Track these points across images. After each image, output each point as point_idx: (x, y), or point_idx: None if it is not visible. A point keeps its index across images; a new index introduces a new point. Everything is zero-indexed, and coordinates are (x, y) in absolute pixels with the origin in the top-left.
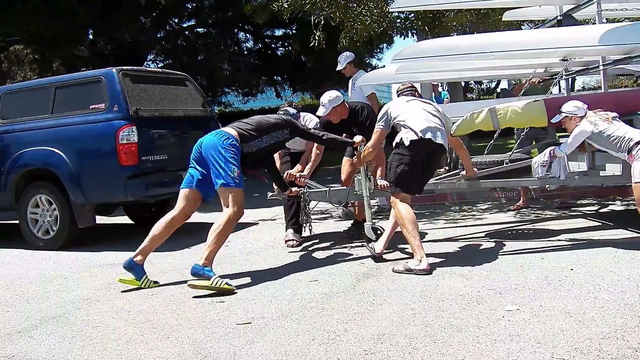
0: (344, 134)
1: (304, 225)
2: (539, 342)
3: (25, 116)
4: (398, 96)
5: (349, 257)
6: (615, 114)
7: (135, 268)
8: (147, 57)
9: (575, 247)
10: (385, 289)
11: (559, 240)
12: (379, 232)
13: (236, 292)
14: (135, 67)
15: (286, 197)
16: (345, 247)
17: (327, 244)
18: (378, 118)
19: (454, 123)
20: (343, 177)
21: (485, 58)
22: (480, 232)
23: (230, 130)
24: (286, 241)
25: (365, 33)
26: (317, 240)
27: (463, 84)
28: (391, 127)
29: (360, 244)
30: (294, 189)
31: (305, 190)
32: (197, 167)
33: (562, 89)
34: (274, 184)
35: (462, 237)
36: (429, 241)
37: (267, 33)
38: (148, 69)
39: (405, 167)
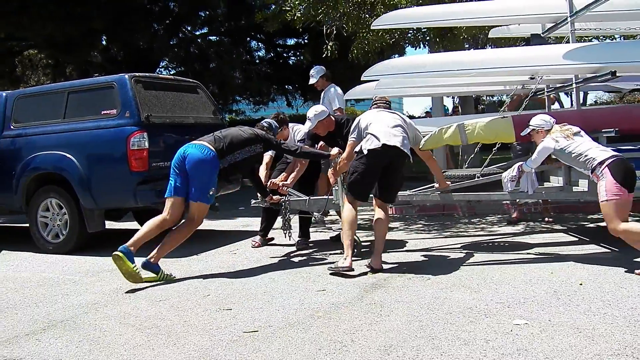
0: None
1: (284, 232)
2: (547, 358)
3: (37, 120)
4: (371, 108)
5: (357, 267)
6: (578, 129)
7: (129, 254)
8: (160, 64)
9: (585, 262)
10: (393, 300)
11: (569, 254)
12: (355, 243)
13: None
14: (147, 74)
15: (268, 204)
16: (356, 258)
17: (339, 254)
18: (350, 131)
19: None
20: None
21: (453, 76)
22: (489, 245)
23: (211, 146)
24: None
25: (377, 44)
26: (325, 251)
27: (474, 96)
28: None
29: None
30: (275, 197)
31: (286, 199)
32: (178, 174)
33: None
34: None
35: (471, 249)
36: (437, 255)
37: (279, 42)
38: (160, 75)
39: (358, 176)
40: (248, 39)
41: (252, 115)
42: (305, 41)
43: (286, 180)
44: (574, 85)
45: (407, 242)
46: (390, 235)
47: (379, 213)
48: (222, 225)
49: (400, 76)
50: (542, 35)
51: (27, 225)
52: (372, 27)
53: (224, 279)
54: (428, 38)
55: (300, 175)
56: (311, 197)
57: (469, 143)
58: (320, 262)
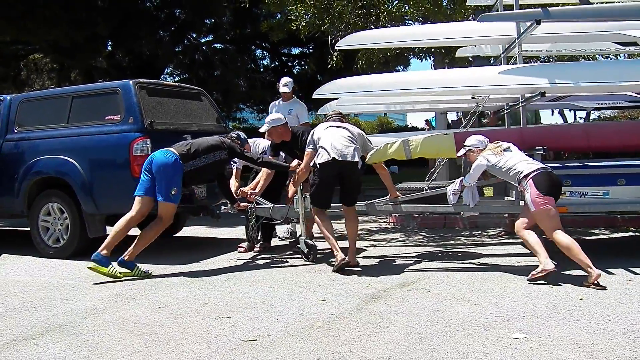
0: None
1: (249, 237)
2: None
3: (41, 124)
4: (325, 121)
5: (357, 278)
6: (508, 145)
7: (102, 260)
8: (165, 71)
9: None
10: (393, 311)
11: (568, 269)
12: (312, 246)
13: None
14: (151, 80)
15: (236, 211)
16: (355, 267)
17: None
18: (307, 142)
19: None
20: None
21: (397, 95)
22: (490, 258)
23: (175, 150)
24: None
25: (382, 55)
26: (325, 261)
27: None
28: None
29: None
30: (242, 204)
31: (252, 206)
32: (147, 176)
33: (579, 119)
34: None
35: (471, 261)
36: (437, 267)
37: (284, 51)
38: (164, 82)
39: (316, 189)
40: (253, 47)
41: (256, 123)
42: (310, 51)
43: (254, 189)
44: (520, 105)
45: (408, 253)
46: (391, 247)
47: (346, 216)
48: (222, 233)
49: (357, 94)
50: (482, 56)
51: (28, 228)
52: (336, 48)
53: (224, 287)
54: (433, 50)
55: (267, 184)
56: (275, 205)
57: (413, 157)
58: (320, 271)
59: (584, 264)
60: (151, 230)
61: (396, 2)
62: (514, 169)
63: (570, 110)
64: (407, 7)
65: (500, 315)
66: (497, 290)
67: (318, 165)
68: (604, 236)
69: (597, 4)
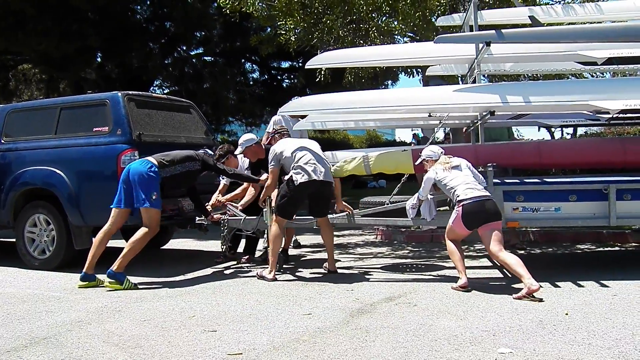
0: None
1: (222, 246)
2: None
3: (28, 135)
4: (281, 137)
5: (344, 292)
6: (458, 163)
7: (89, 277)
8: (154, 83)
9: (571, 292)
10: (379, 326)
11: (555, 284)
12: (281, 257)
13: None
14: (140, 92)
15: (209, 222)
16: (343, 282)
17: (324, 277)
18: (270, 160)
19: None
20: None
21: (358, 113)
22: (476, 272)
23: (152, 159)
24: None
25: (371, 70)
26: (315, 274)
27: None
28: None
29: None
30: (216, 215)
31: (225, 217)
32: (124, 188)
33: (567, 134)
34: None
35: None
36: (423, 281)
37: (274, 65)
38: (153, 94)
39: (287, 200)
40: (243, 60)
41: None
42: (300, 64)
43: (233, 200)
44: (478, 122)
45: (394, 267)
46: (377, 261)
47: (321, 227)
48: (209, 246)
49: (308, 112)
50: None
51: (14, 240)
52: (306, 67)
53: (210, 300)
54: (422, 66)
55: (251, 201)
56: (246, 217)
57: (372, 173)
58: (308, 285)
59: (460, 271)
60: (138, 240)
61: (385, 17)
62: (454, 190)
63: (539, 129)
64: (396, 23)
65: (486, 329)
66: (483, 305)
67: (297, 183)
68: (589, 251)
69: (554, 25)
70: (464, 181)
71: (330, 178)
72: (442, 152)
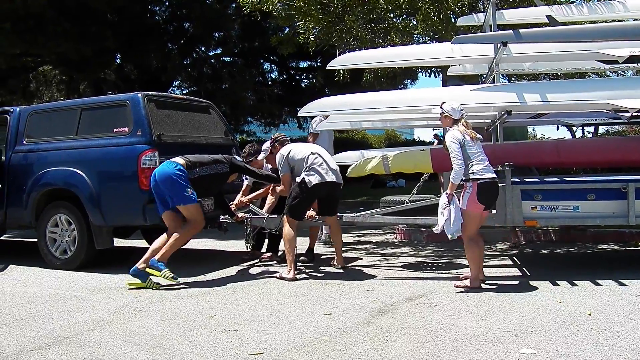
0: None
1: (246, 245)
2: None
3: (50, 136)
4: (283, 144)
5: (364, 292)
6: (480, 137)
7: (140, 274)
8: (173, 83)
9: (594, 292)
10: (400, 326)
11: (576, 283)
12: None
13: (179, 283)
14: (160, 93)
15: (234, 221)
16: (362, 281)
17: (344, 277)
18: (278, 165)
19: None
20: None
21: (376, 113)
22: (498, 271)
23: (178, 159)
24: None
25: (390, 69)
26: (335, 274)
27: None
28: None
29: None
30: (240, 214)
31: (248, 216)
32: (157, 193)
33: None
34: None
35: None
36: (445, 281)
37: (292, 64)
38: (173, 95)
39: (299, 201)
40: (261, 60)
41: (263, 136)
42: (319, 64)
43: (254, 200)
44: (497, 122)
45: (414, 267)
46: (398, 260)
47: (331, 225)
48: (229, 246)
49: (329, 112)
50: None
51: (36, 240)
52: (327, 68)
53: (231, 299)
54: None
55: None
56: (268, 216)
57: (392, 172)
58: (329, 285)
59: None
60: (184, 235)
61: (405, 17)
62: (471, 163)
63: (558, 128)
64: (415, 22)
65: (508, 330)
66: (504, 305)
67: (311, 185)
68: (611, 250)
69: (576, 23)
70: (481, 158)
71: (340, 180)
72: (464, 114)
